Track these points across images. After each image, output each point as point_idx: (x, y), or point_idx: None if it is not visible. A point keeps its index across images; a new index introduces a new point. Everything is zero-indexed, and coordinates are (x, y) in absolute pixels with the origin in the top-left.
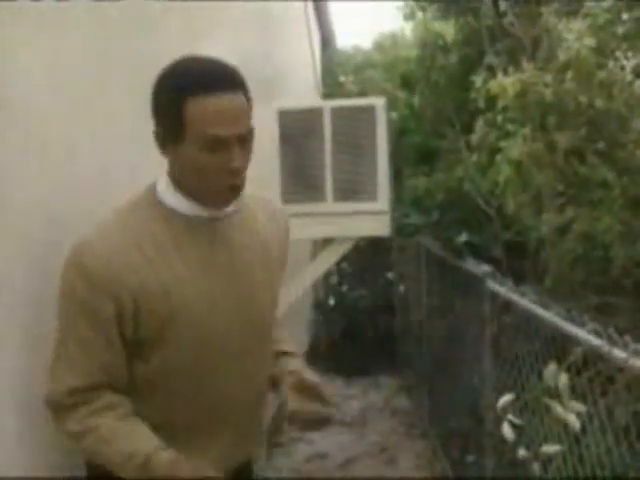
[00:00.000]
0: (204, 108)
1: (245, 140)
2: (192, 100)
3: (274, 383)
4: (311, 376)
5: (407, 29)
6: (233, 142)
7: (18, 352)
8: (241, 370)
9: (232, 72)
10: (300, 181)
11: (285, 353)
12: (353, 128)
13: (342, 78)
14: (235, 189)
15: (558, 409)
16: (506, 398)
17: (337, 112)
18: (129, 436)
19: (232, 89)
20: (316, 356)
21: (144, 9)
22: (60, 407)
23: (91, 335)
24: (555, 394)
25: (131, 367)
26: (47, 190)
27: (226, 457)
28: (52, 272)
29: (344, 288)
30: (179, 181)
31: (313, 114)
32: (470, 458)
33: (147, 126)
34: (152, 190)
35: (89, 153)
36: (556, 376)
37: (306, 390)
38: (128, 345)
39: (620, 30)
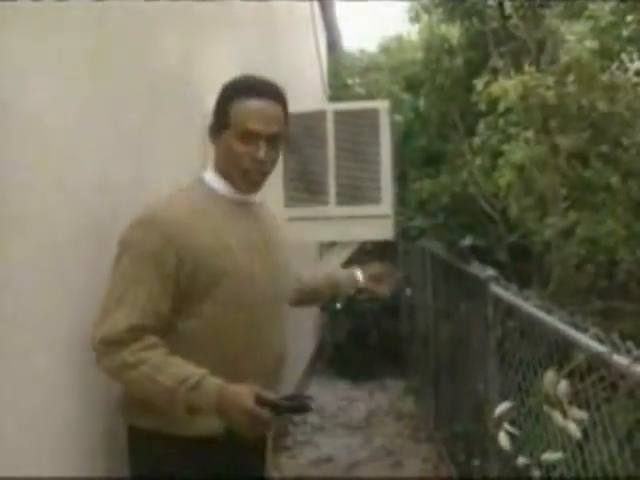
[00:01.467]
0: (244, 107)
1: (273, 140)
2: (238, 100)
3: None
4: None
5: (413, 32)
6: (262, 138)
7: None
8: (268, 332)
9: (274, 87)
10: (302, 184)
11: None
12: (356, 131)
13: (349, 81)
14: (258, 175)
15: (557, 417)
16: (503, 406)
17: (340, 115)
18: (180, 364)
19: (269, 98)
20: (322, 359)
21: (146, 9)
22: (116, 342)
23: (153, 280)
24: (554, 402)
25: (185, 322)
26: (46, 193)
27: None
28: (57, 270)
29: None
30: (221, 168)
31: (316, 117)
32: (475, 462)
33: (148, 126)
34: (200, 179)
35: (89, 155)
36: (555, 383)
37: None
38: (181, 299)
39: (625, 32)
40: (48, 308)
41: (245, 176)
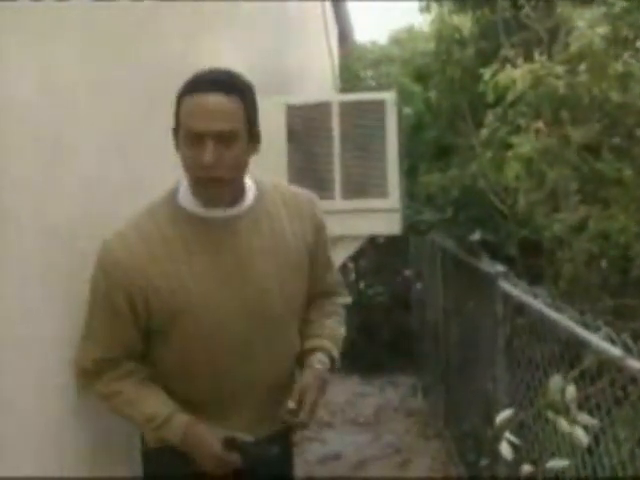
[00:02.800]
0: (187, 105)
1: (225, 139)
2: (184, 99)
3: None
4: (310, 391)
5: (424, 23)
6: (208, 137)
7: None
8: (252, 359)
9: (225, 77)
10: (308, 177)
11: (313, 350)
12: (363, 123)
13: (362, 73)
14: (211, 183)
15: (563, 424)
16: (504, 415)
17: (346, 106)
18: (150, 399)
19: (218, 91)
20: None
21: (149, 7)
22: (88, 373)
23: (110, 318)
24: (560, 407)
25: (153, 348)
26: (41, 191)
27: (245, 431)
28: (48, 278)
29: (362, 285)
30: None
31: (321, 109)
32: (483, 462)
33: (144, 128)
34: (173, 192)
35: (86, 153)
36: (562, 388)
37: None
38: (147, 329)
39: None
40: (44, 306)
41: (197, 186)
